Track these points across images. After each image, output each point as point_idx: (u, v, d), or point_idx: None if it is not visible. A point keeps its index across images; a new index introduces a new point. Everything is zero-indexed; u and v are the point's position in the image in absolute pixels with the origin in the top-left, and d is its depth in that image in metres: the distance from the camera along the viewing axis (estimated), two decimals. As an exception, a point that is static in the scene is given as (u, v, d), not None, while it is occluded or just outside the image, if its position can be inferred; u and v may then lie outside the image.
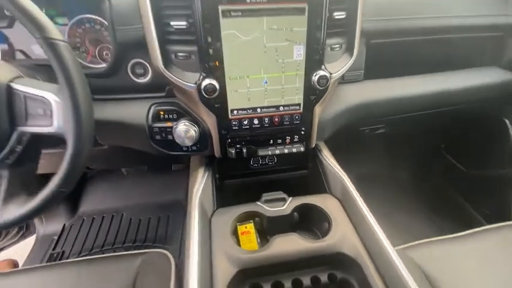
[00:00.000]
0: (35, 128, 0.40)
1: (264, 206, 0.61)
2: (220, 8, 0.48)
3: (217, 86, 0.53)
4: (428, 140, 1.30)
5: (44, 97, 0.38)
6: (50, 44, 0.36)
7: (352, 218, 0.58)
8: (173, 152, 0.64)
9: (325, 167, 0.69)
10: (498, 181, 1.06)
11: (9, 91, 0.39)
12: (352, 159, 0.72)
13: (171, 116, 0.61)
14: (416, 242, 0.68)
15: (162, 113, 0.61)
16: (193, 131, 0.59)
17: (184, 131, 0.58)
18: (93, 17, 0.56)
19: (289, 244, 0.53)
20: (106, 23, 0.56)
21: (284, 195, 0.63)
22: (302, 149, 0.64)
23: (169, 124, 0.61)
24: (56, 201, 0.42)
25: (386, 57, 0.70)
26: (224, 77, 0.54)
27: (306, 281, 0.52)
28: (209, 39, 0.50)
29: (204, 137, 0.61)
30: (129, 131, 0.62)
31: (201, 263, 0.47)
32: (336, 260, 0.53)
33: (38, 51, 0.64)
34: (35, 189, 0.45)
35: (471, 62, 0.82)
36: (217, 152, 0.63)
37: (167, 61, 0.53)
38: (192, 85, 0.54)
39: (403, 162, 1.37)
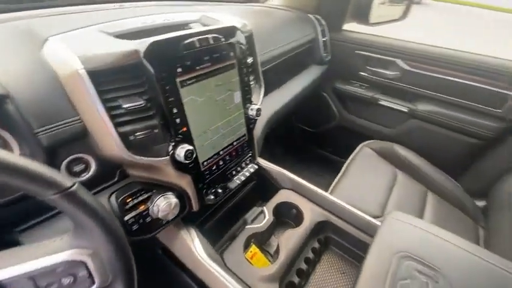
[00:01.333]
0: None
1: (254, 226, 0.71)
2: (178, 80, 0.50)
3: (192, 148, 0.55)
4: (289, 120, 1.78)
5: (69, 260, 0.29)
6: (66, 195, 0.28)
7: (307, 196, 0.81)
8: (153, 232, 0.58)
9: (269, 171, 0.87)
10: (331, 131, 1.66)
11: None
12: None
13: (141, 198, 0.55)
14: (331, 188, 1.03)
15: (129, 200, 0.53)
16: (174, 199, 0.57)
17: (167, 204, 0.55)
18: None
19: (291, 241, 0.68)
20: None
21: (260, 208, 0.76)
22: (256, 167, 0.78)
23: (143, 207, 0.55)
24: None
25: (269, 77, 0.94)
26: (192, 138, 0.56)
27: (310, 254, 0.71)
28: (174, 110, 0.51)
29: (182, 199, 0.60)
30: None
31: None
32: (317, 229, 0.74)
33: None
34: None
35: (306, 65, 1.24)
36: (195, 206, 0.64)
37: (126, 145, 0.48)
38: (164, 158, 0.52)
39: (279, 141, 1.80)
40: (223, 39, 0.57)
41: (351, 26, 1.37)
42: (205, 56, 0.54)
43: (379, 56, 1.27)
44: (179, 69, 0.50)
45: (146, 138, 0.50)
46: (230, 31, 0.60)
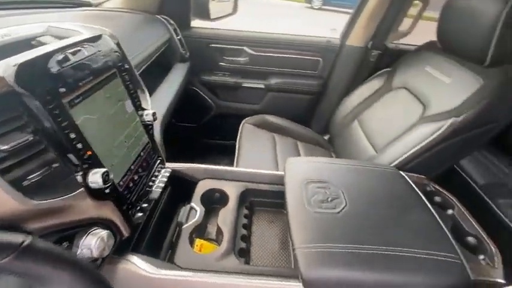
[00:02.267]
0: None
1: (190, 222, 0.74)
2: (64, 101, 0.44)
3: (107, 169, 0.51)
4: (169, 122, 1.74)
5: None
6: (21, 254, 0.23)
7: (223, 177, 0.90)
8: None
9: (181, 171, 0.88)
10: (212, 120, 1.78)
11: None
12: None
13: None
14: (235, 164, 1.17)
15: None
16: (103, 231, 0.51)
17: (100, 239, 0.49)
18: None
19: (227, 218, 0.77)
20: None
21: (190, 204, 0.78)
22: (169, 170, 0.78)
23: (68, 256, 0.46)
24: None
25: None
26: (99, 160, 0.51)
27: (244, 220, 0.82)
28: (72, 135, 0.45)
29: (110, 229, 0.54)
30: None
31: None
32: (241, 199, 0.86)
33: None
34: None
35: (171, 65, 1.26)
36: (126, 231, 0.59)
37: (24, 193, 0.39)
38: (78, 191, 0.46)
39: (166, 145, 1.74)
40: (97, 49, 0.53)
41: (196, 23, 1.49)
42: (85, 70, 0.49)
43: (229, 46, 1.48)
44: (62, 89, 0.44)
45: (45, 177, 0.42)
46: (99, 39, 0.56)
